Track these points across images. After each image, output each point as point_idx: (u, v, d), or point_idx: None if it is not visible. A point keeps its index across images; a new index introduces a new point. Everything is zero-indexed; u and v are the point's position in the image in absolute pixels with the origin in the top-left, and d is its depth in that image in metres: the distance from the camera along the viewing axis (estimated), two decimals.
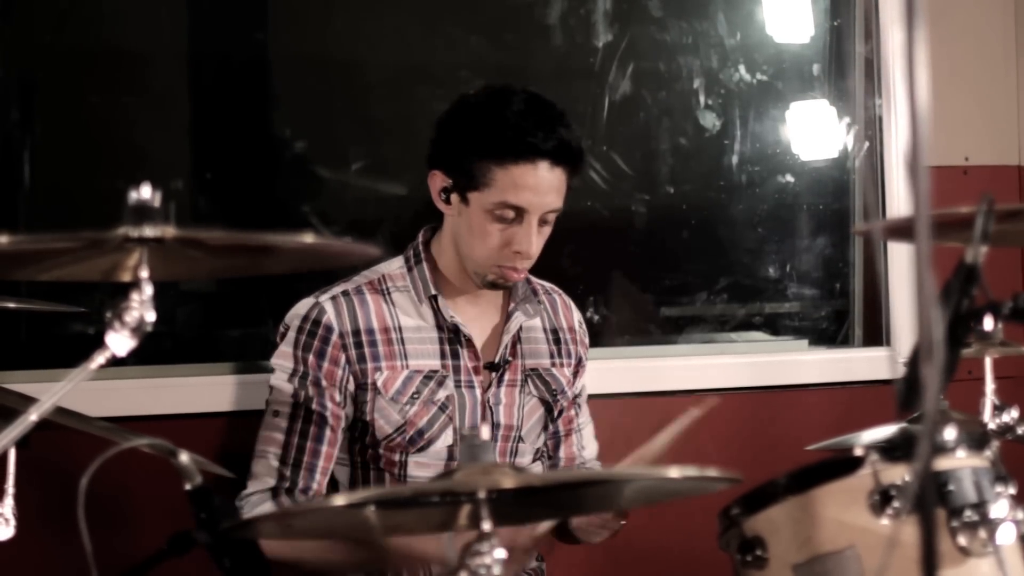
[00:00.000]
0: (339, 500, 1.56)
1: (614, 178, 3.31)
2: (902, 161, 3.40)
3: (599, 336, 3.26)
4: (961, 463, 1.77)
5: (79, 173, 2.99)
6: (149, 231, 1.41)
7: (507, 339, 2.59)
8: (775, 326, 3.51)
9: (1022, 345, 2.47)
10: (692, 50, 3.40)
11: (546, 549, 2.52)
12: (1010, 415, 2.28)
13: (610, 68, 3.30)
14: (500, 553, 1.50)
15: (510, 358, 2.60)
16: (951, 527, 1.73)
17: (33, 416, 1.47)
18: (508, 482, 1.50)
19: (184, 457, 1.68)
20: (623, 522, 2.44)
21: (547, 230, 2.50)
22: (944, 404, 2.27)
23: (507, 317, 2.60)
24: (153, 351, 2.85)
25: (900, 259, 3.41)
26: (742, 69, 3.44)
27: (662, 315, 3.42)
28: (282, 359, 2.49)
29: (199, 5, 3.12)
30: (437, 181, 2.50)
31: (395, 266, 2.58)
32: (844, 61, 3.54)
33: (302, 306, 2.51)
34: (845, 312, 3.55)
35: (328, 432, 2.46)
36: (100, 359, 1.47)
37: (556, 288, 2.77)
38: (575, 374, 2.73)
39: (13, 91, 2.94)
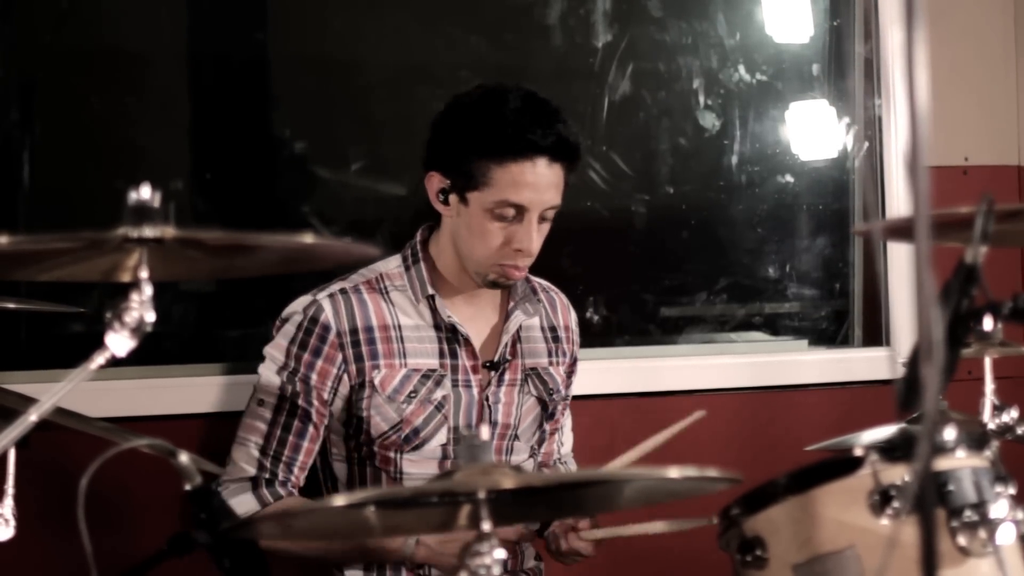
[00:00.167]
0: (339, 501, 1.56)
1: (614, 178, 3.31)
2: (902, 161, 3.40)
3: (599, 336, 3.26)
4: (961, 463, 1.77)
5: (78, 173, 2.99)
6: (149, 231, 1.41)
7: (507, 338, 2.59)
8: (775, 326, 3.51)
9: (1022, 345, 2.47)
10: (692, 50, 3.40)
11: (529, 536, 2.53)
12: (1010, 415, 2.28)
13: (610, 68, 3.30)
14: (500, 553, 1.51)
15: (510, 357, 2.60)
16: (951, 527, 1.73)
17: (33, 416, 1.47)
18: (508, 482, 1.50)
19: (184, 457, 1.68)
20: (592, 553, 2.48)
21: (546, 227, 2.50)
22: (944, 404, 2.27)
23: (506, 316, 2.60)
24: (152, 351, 2.85)
25: (900, 259, 3.41)
26: (742, 69, 3.44)
27: (662, 315, 3.41)
28: (275, 351, 2.50)
29: (199, 5, 3.12)
30: (435, 182, 2.49)
31: (392, 265, 2.58)
32: (844, 61, 3.54)
33: (299, 303, 2.52)
34: (845, 312, 3.55)
35: (311, 429, 2.47)
36: (100, 359, 1.47)
37: (553, 287, 2.77)
38: (569, 374, 2.74)
39: (13, 91, 2.94)
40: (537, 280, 2.71)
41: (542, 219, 2.47)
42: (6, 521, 1.91)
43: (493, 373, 2.59)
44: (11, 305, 2.33)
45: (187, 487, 1.67)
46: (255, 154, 3.11)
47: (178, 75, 3.10)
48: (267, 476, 2.46)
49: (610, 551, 2.71)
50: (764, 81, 3.47)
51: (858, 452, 1.78)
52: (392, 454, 2.50)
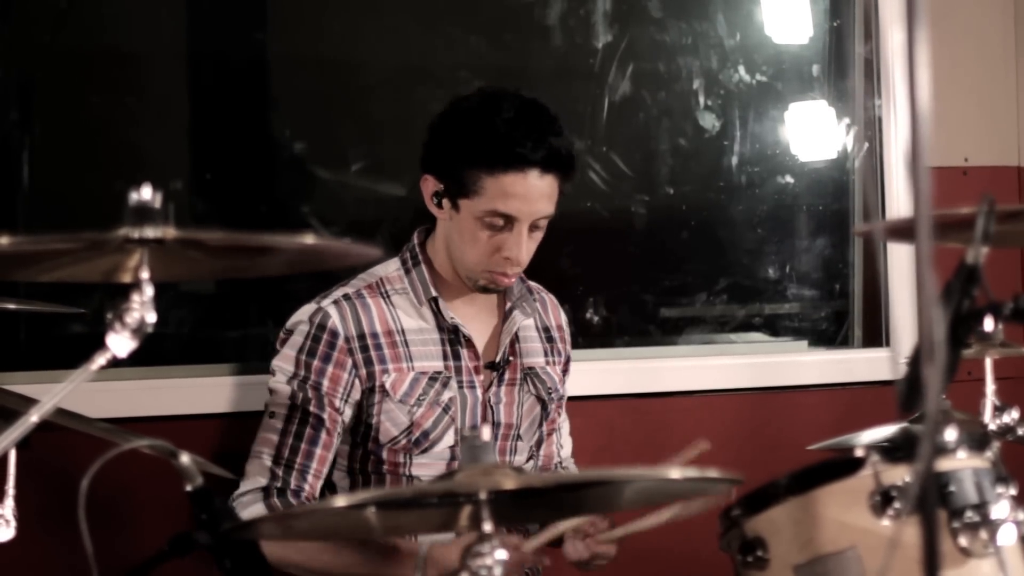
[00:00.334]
0: (340, 501, 1.56)
1: (614, 179, 3.31)
2: (902, 162, 3.40)
3: (599, 337, 3.26)
4: (962, 464, 1.77)
5: (78, 174, 2.98)
6: (150, 232, 1.41)
7: (507, 338, 2.59)
8: (775, 327, 3.51)
9: (1022, 346, 2.47)
10: (692, 51, 3.40)
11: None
12: (1010, 416, 2.28)
13: (610, 69, 3.30)
14: (501, 554, 1.50)
15: (510, 357, 2.61)
16: (952, 528, 1.73)
17: (34, 417, 1.46)
18: (509, 483, 1.50)
19: (185, 458, 1.67)
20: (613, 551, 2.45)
21: (538, 235, 2.50)
22: (945, 405, 2.27)
23: (505, 316, 2.60)
24: (152, 352, 2.85)
25: (900, 260, 3.41)
26: (742, 70, 3.44)
27: (662, 316, 3.41)
28: (283, 362, 2.48)
29: (198, 6, 3.11)
30: (429, 185, 2.50)
31: (392, 269, 2.58)
32: (844, 62, 3.54)
33: (303, 312, 2.50)
34: (845, 313, 3.55)
35: (323, 435, 2.45)
36: (101, 360, 1.46)
37: (542, 288, 2.78)
38: (564, 372, 2.74)
39: (12, 91, 2.93)
40: (529, 282, 2.72)
41: (534, 227, 2.47)
42: (7, 522, 1.91)
43: (494, 373, 2.59)
44: (11, 306, 2.33)
45: (188, 488, 1.67)
46: (254, 155, 3.11)
47: (177, 75, 3.10)
48: (279, 485, 2.42)
49: None
50: (764, 82, 3.47)
51: (859, 453, 1.78)
52: (401, 458, 2.50)
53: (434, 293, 2.53)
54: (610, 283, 3.34)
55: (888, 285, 3.44)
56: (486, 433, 1.59)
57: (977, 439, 1.82)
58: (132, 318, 1.44)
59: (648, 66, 3.35)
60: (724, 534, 1.89)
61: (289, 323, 2.51)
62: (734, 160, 3.44)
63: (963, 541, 1.72)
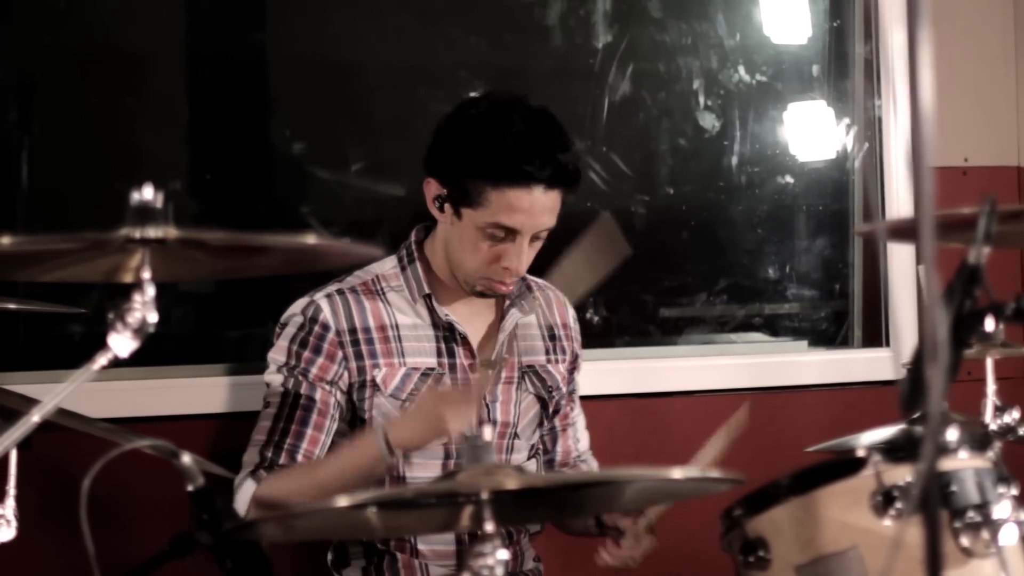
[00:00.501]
0: (341, 500, 1.56)
1: (614, 179, 3.31)
2: (902, 162, 3.40)
3: (599, 337, 3.25)
4: (964, 464, 1.77)
5: (77, 174, 2.98)
6: (152, 232, 1.41)
7: (503, 337, 2.59)
8: (775, 327, 3.51)
9: (1023, 346, 2.47)
10: (691, 51, 3.40)
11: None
12: (1011, 416, 2.28)
13: (610, 69, 3.30)
14: (503, 554, 1.50)
15: (507, 355, 2.60)
16: (954, 528, 1.73)
17: (35, 417, 1.46)
18: (511, 483, 1.50)
19: (186, 458, 1.67)
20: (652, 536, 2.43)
21: (538, 244, 2.50)
22: (945, 405, 2.27)
23: (502, 315, 2.60)
24: (153, 352, 2.84)
25: (900, 260, 3.41)
26: (741, 70, 3.44)
27: (662, 316, 3.41)
28: (276, 353, 2.50)
29: (198, 6, 3.11)
30: (432, 188, 2.49)
31: (388, 266, 2.58)
32: (844, 62, 3.54)
33: (297, 305, 2.52)
34: (845, 313, 3.55)
35: (315, 416, 2.45)
36: (102, 360, 1.46)
37: (549, 284, 2.77)
38: (571, 370, 2.74)
39: (11, 91, 2.93)
40: (533, 278, 2.71)
41: (535, 238, 2.47)
42: (8, 522, 1.91)
43: (490, 372, 2.58)
44: (11, 306, 2.33)
45: (189, 488, 1.67)
46: (254, 155, 3.11)
47: (177, 76, 3.10)
48: (267, 465, 2.43)
49: None
50: (764, 82, 3.47)
51: (861, 453, 1.78)
52: None
53: (427, 290, 2.53)
54: (610, 283, 3.33)
55: (888, 285, 3.44)
56: (487, 433, 1.59)
57: (978, 439, 1.82)
58: (134, 318, 1.44)
59: (648, 66, 3.35)
60: (725, 534, 1.89)
61: (284, 316, 2.53)
62: (734, 160, 3.44)
63: (965, 541, 1.72)
